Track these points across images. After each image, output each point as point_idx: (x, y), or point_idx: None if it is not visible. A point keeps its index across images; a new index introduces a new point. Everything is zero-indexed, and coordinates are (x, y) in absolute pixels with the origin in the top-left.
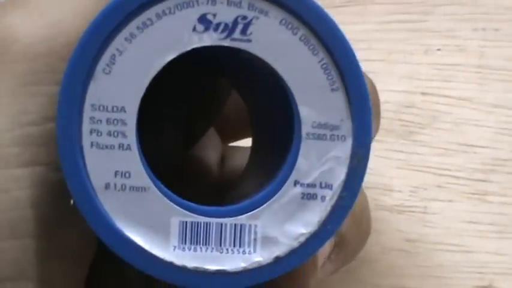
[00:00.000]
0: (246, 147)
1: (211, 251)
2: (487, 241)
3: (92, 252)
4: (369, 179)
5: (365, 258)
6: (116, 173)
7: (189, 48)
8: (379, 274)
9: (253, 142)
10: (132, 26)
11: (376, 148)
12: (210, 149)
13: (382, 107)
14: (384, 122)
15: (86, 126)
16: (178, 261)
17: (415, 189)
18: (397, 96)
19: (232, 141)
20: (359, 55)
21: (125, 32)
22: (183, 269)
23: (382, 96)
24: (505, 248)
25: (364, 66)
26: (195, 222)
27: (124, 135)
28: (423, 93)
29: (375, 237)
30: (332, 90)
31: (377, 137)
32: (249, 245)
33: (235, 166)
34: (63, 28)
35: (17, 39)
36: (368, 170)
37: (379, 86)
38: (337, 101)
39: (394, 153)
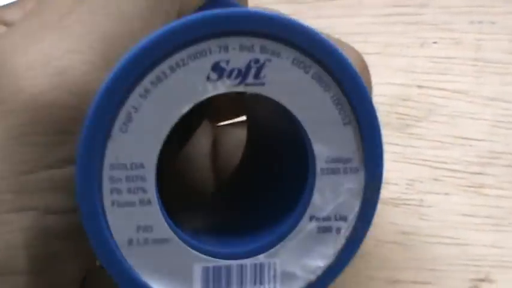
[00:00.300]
0: (238, 127)
1: None
2: (483, 234)
3: (83, 276)
4: None
5: (361, 250)
6: (138, 228)
7: (204, 98)
8: (374, 267)
9: (250, 144)
10: (146, 82)
11: None
12: (201, 137)
13: (378, 99)
14: (380, 115)
15: (106, 186)
16: None
17: (411, 182)
18: (393, 89)
19: (224, 121)
20: (355, 48)
21: (139, 89)
22: None
23: (378, 90)
24: (501, 241)
25: None
26: (217, 267)
27: (144, 190)
28: (419, 86)
29: (371, 230)
30: (344, 124)
31: None
32: (269, 282)
33: (230, 150)
34: (69, 76)
35: (22, 90)
36: None
37: (375, 79)
38: (349, 135)
39: (390, 146)
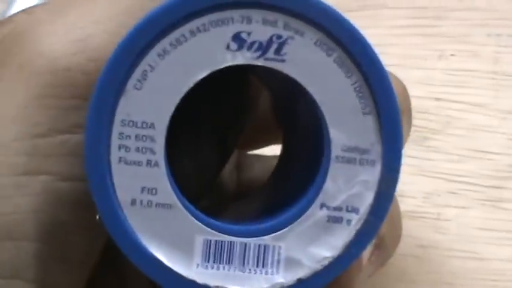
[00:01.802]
0: (265, 156)
1: (234, 271)
2: (501, 248)
3: (94, 258)
4: None
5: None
6: (142, 189)
7: (221, 67)
8: (390, 280)
9: (282, 151)
10: (165, 42)
11: None
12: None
13: None
14: None
15: (114, 141)
16: (200, 279)
17: (428, 195)
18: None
19: (251, 149)
20: None
21: (157, 48)
22: None
23: None
24: None
25: None
26: (219, 241)
27: (152, 151)
28: (437, 99)
29: None
30: (364, 113)
31: None
32: (272, 266)
33: (253, 176)
34: (90, 43)
35: (41, 53)
36: None
37: None
38: (369, 125)
39: (407, 158)
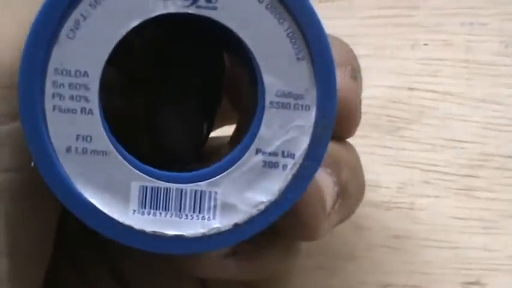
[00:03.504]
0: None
1: (171, 216)
2: (474, 237)
3: (45, 252)
4: None
5: (351, 254)
6: (77, 137)
7: (153, 15)
8: (365, 271)
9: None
10: None
11: (363, 144)
12: None
13: (369, 102)
14: (370, 118)
15: (48, 89)
16: (137, 225)
17: (402, 185)
18: (383, 91)
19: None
20: None
21: None
22: (142, 233)
23: (369, 92)
24: (492, 244)
25: None
26: (155, 187)
27: (86, 99)
28: (410, 89)
29: (361, 234)
30: (298, 59)
31: (363, 133)
32: (208, 212)
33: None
34: (1, 35)
35: None
36: None
37: (365, 82)
38: (302, 70)
39: (380, 149)
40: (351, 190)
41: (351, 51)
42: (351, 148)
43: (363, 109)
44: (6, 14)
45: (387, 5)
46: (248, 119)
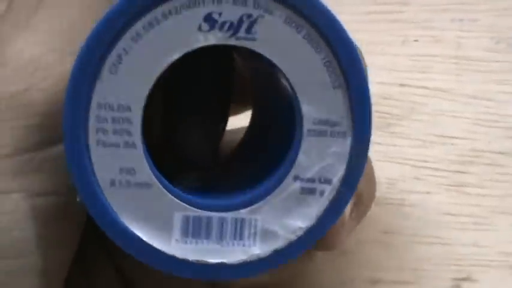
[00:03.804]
0: (230, 130)
1: (212, 244)
2: (464, 233)
3: (68, 267)
4: None
5: (341, 250)
6: (120, 170)
7: (194, 48)
8: (355, 266)
9: (252, 123)
10: (138, 26)
11: None
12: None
13: None
14: None
15: (92, 124)
16: (180, 254)
17: (393, 181)
18: (374, 87)
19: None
20: None
21: (131, 32)
22: (185, 262)
23: None
24: (483, 240)
25: None
26: (197, 217)
27: (129, 133)
28: (401, 85)
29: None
30: (334, 87)
31: None
32: (249, 239)
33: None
34: (41, 63)
35: None
36: None
37: None
38: (339, 98)
39: (371, 145)
40: (365, 198)
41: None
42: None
43: None
44: (53, 41)
45: (378, 1)
46: (263, 114)
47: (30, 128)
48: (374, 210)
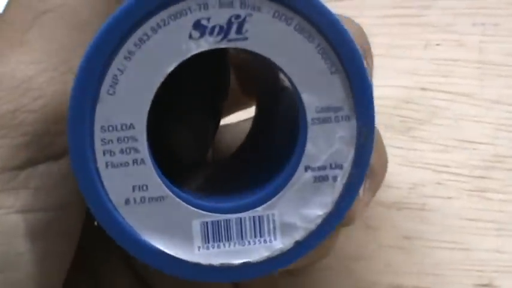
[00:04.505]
0: (232, 124)
1: (234, 246)
2: (486, 239)
3: (64, 276)
4: None
5: (362, 255)
6: (133, 188)
7: (188, 56)
8: (376, 271)
9: (257, 117)
10: (129, 44)
11: None
12: None
13: (381, 102)
14: (382, 118)
15: (98, 148)
16: (204, 260)
17: (413, 186)
18: (396, 91)
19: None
20: None
21: (123, 51)
22: (210, 267)
23: (382, 92)
24: (504, 246)
25: None
26: (215, 221)
27: (136, 150)
28: (422, 89)
29: (372, 234)
30: (331, 73)
31: None
32: (269, 234)
33: (227, 144)
34: (32, 83)
35: None
36: None
37: (378, 82)
38: (337, 83)
39: (393, 149)
40: (377, 169)
41: (360, 28)
42: (377, 133)
43: (375, 109)
44: (46, 60)
45: (399, 5)
46: (268, 103)
47: (17, 147)
48: (394, 214)
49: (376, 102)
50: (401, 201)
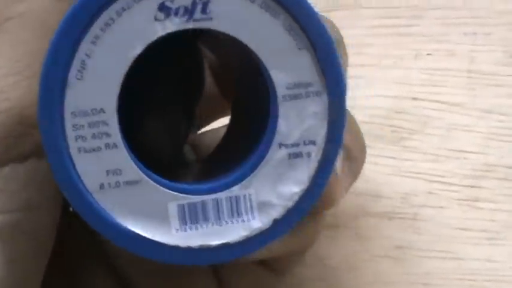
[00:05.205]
0: (216, 128)
1: (212, 226)
2: (477, 248)
3: (41, 276)
4: (358, 185)
5: (353, 265)
6: (107, 172)
7: (154, 39)
8: (367, 281)
9: (232, 110)
10: (95, 29)
11: (366, 154)
12: None
13: (372, 112)
14: (374, 128)
15: (69, 134)
16: (182, 242)
17: (405, 196)
18: (387, 101)
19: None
20: (349, 60)
21: (89, 36)
22: (189, 249)
23: (373, 102)
24: (496, 255)
25: (355, 72)
26: (191, 203)
27: (108, 134)
28: (414, 99)
29: (364, 244)
30: (299, 49)
31: (367, 143)
32: (246, 213)
33: (209, 148)
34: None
35: None
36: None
37: (369, 92)
38: (306, 59)
39: (384, 159)
40: (355, 152)
41: (332, 22)
42: (350, 116)
43: (366, 119)
44: (11, 65)
45: (391, 15)
46: (246, 110)
47: None
48: (386, 224)
49: (368, 112)
50: (393, 211)
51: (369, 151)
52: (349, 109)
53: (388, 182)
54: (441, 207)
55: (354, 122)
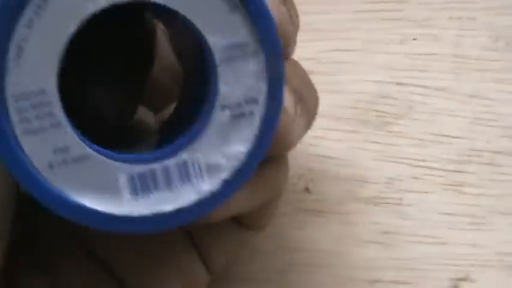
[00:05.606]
0: None
1: (163, 193)
2: (463, 233)
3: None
4: (344, 170)
5: (339, 250)
6: (54, 151)
7: (88, 15)
8: (353, 266)
9: (184, 80)
10: (28, 12)
11: (351, 139)
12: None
13: (358, 97)
14: (359, 113)
15: (14, 117)
16: (136, 212)
17: (390, 181)
18: (372, 86)
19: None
20: (334, 45)
21: (23, 20)
22: (143, 218)
23: (358, 87)
24: (481, 240)
25: (340, 57)
26: (141, 172)
27: (51, 114)
28: (399, 83)
29: (349, 229)
30: (231, 10)
31: (352, 128)
32: (196, 177)
33: None
34: None
35: None
36: (343, 161)
37: (354, 77)
38: (239, 20)
39: (369, 144)
40: (307, 96)
41: None
42: (296, 63)
43: (351, 104)
44: None
45: (375, 0)
46: (194, 79)
47: None
48: (371, 209)
49: (353, 98)
50: (378, 196)
51: (354, 136)
52: (334, 94)
53: (374, 167)
54: (426, 192)
55: (299, 66)
